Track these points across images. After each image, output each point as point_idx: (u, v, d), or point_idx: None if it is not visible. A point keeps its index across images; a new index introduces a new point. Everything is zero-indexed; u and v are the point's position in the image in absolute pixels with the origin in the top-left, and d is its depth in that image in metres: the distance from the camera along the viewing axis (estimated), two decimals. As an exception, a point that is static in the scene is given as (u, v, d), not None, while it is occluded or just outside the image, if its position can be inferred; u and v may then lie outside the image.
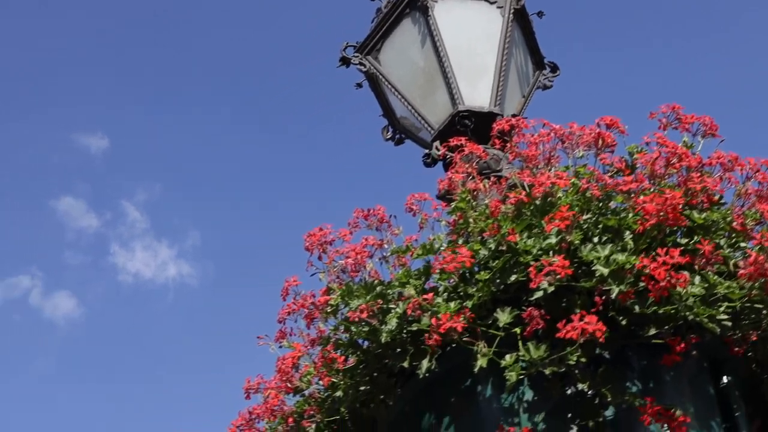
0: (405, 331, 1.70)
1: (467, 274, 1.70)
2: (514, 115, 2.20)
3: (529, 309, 1.55)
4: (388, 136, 3.09)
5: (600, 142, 1.74)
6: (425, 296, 1.61)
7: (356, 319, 1.67)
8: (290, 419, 1.86)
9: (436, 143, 2.67)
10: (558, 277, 1.50)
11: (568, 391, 1.65)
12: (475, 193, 1.85)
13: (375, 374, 1.78)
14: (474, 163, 1.92)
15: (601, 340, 1.43)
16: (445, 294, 1.64)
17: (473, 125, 2.63)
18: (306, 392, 1.93)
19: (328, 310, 1.77)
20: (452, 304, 1.59)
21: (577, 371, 1.60)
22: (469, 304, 1.59)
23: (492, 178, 2.00)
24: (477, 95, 2.74)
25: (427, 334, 1.53)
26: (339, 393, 1.81)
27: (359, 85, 3.07)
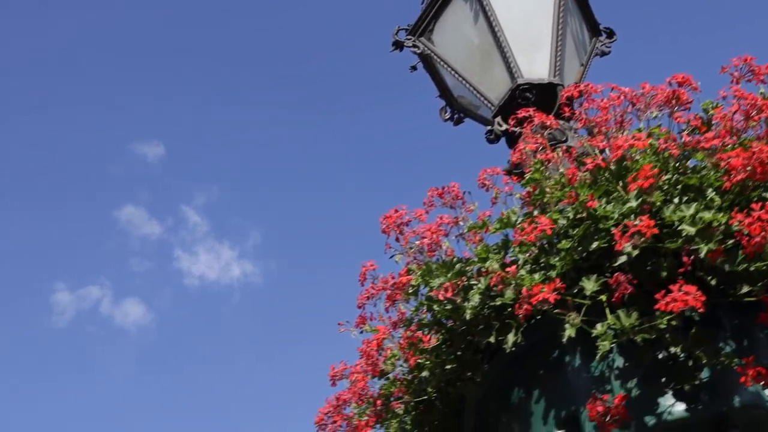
0: (488, 306, 1.70)
1: (546, 245, 1.69)
2: (577, 84, 2.17)
3: (616, 275, 1.52)
4: (447, 117, 3.07)
5: (674, 100, 1.70)
6: (508, 269, 1.60)
7: (439, 298, 1.67)
8: (379, 402, 1.87)
9: (498, 119, 2.64)
10: (644, 237, 1.47)
11: (660, 356, 1.62)
12: (547, 163, 1.83)
13: (460, 352, 1.78)
14: (544, 134, 1.90)
15: (701, 310, 1.40)
16: (527, 266, 1.63)
17: (534, 98, 2.59)
18: (391, 375, 1.94)
19: (410, 291, 1.77)
20: (536, 276, 1.57)
21: (668, 335, 1.57)
22: (553, 274, 1.57)
23: (562, 148, 1.97)
24: (535, 67, 2.71)
25: (516, 306, 1.52)
26: (425, 373, 1.81)
27: (414, 68, 3.06)
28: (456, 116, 3.04)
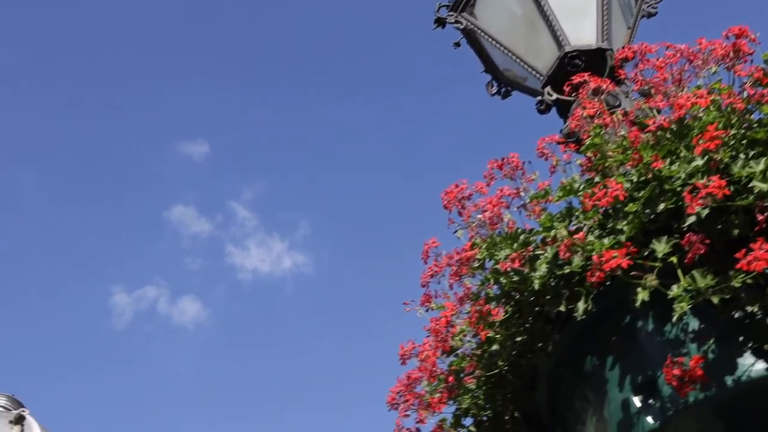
0: (556, 275, 1.68)
1: (610, 210, 1.67)
2: (630, 45, 2.13)
3: (688, 235, 1.50)
4: (494, 91, 3.05)
5: (734, 53, 1.66)
6: (576, 236, 1.58)
7: (507, 270, 1.66)
8: (450, 378, 1.87)
9: (548, 89, 2.62)
10: (716, 198, 1.44)
11: (736, 315, 1.59)
12: (605, 128, 1.81)
13: (530, 323, 1.77)
14: (600, 99, 1.88)
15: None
16: (596, 232, 1.61)
17: (583, 64, 2.56)
18: (460, 351, 1.94)
19: (475, 265, 1.76)
20: (606, 241, 1.55)
21: (743, 294, 1.54)
22: (622, 238, 1.55)
23: (619, 112, 1.94)
24: (582, 34, 2.67)
25: (588, 273, 1.50)
26: (495, 347, 1.81)
27: (457, 45, 3.04)
28: (503, 90, 3.01)
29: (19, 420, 17.75)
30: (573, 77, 1.95)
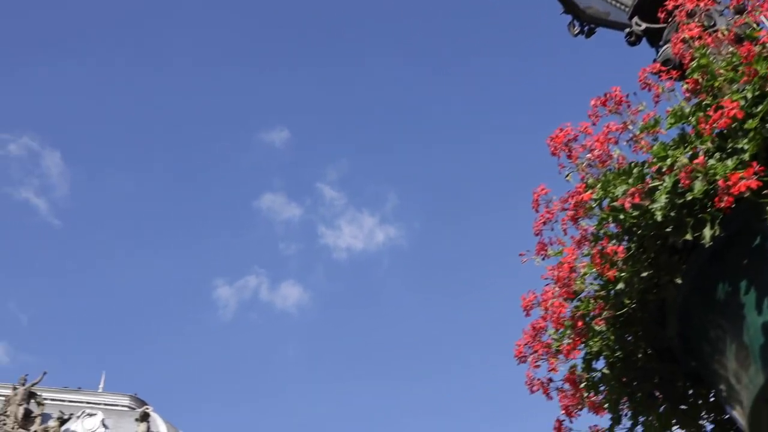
0: (676, 204, 1.64)
1: (725, 131, 1.61)
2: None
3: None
4: (576, 31, 2.98)
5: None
6: (696, 161, 1.54)
7: (626, 205, 1.63)
8: (579, 322, 1.85)
9: (635, 19, 2.54)
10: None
11: None
12: (709, 48, 1.74)
13: (655, 257, 1.73)
14: (698, 19, 1.81)
15: None
16: (715, 155, 1.56)
17: (670, -11, 2.47)
18: (584, 294, 1.92)
19: (592, 205, 1.73)
20: (729, 163, 1.51)
21: None
22: (745, 157, 1.50)
23: (719, 30, 1.87)
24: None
25: (716, 199, 1.46)
26: (621, 285, 1.78)
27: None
28: (587, 28, 2.94)
29: (144, 417, 18.75)
30: (666, 2, 1.89)
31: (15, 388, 26.50)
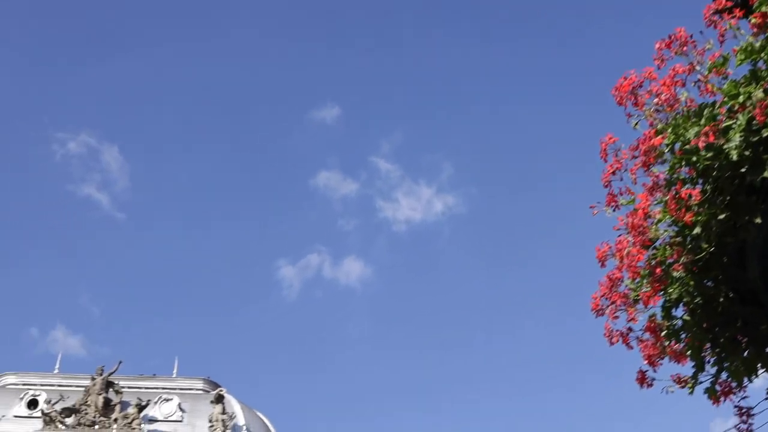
0: (752, 142, 1.61)
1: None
2: None
3: None
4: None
5: None
6: (771, 96, 1.50)
7: (699, 147, 1.60)
8: (657, 270, 1.83)
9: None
10: None
11: None
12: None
13: (731, 198, 1.70)
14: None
15: None
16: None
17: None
18: (659, 243, 1.90)
19: (664, 150, 1.70)
20: (806, 93, 1.46)
21: None
22: (823, 86, 1.46)
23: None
24: None
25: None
26: (697, 230, 1.75)
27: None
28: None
29: (219, 399, 19.14)
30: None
31: (93, 379, 27.30)
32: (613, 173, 1.89)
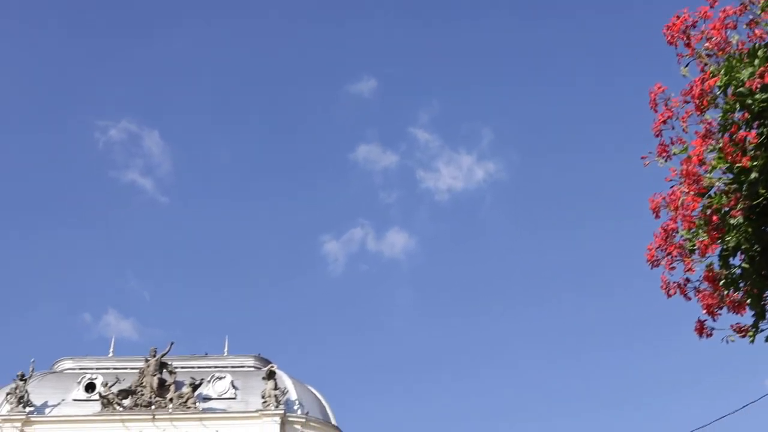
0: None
1: None
2: None
3: None
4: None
5: None
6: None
7: (754, 88, 1.56)
8: (714, 217, 1.80)
9: None
10: None
11: None
12: None
13: (790, 139, 1.66)
14: None
15: None
16: None
17: None
18: (714, 191, 1.86)
19: (717, 94, 1.67)
20: None
21: None
22: None
23: None
24: None
25: None
26: (754, 174, 1.71)
27: None
28: None
29: (271, 375, 19.46)
30: None
31: (147, 361, 27.84)
32: (664, 122, 1.86)
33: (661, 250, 1.95)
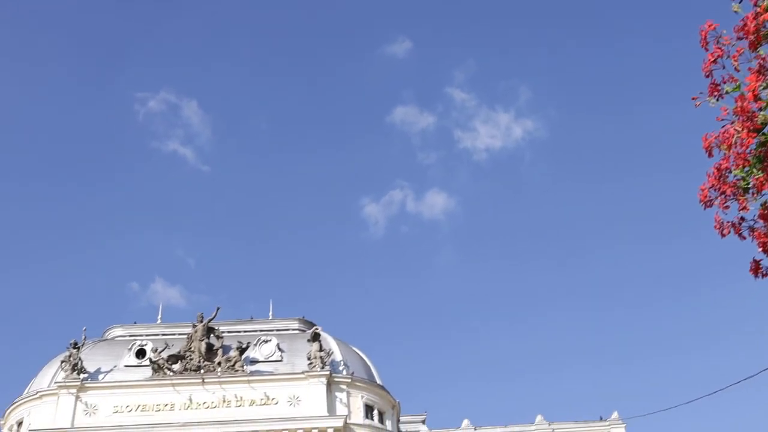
0: None
1: None
2: None
3: None
4: None
5: None
6: None
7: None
8: (769, 154, 1.79)
9: None
10: None
11: None
12: None
13: None
14: None
15: None
16: None
17: None
18: (767, 128, 1.85)
19: (772, 27, 1.65)
20: None
21: None
22: None
23: None
24: None
25: None
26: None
27: None
28: None
29: (315, 337, 19.90)
30: None
31: (194, 326, 28.38)
32: (715, 61, 1.85)
33: (715, 190, 1.96)
